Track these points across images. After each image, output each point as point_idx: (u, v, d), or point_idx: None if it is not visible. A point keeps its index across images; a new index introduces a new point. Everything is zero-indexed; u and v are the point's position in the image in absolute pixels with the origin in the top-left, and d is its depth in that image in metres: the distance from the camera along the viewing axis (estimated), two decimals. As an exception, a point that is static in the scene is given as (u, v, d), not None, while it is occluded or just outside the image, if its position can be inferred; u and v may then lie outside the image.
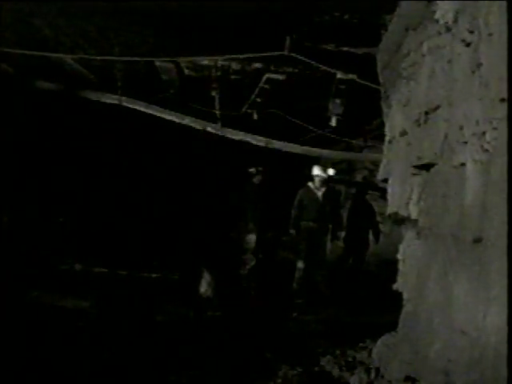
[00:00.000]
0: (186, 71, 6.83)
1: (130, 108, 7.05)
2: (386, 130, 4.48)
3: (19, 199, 8.93)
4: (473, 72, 2.46)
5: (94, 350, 5.08)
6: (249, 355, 5.20)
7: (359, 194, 10.08)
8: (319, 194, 8.76)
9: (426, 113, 3.17)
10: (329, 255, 9.09)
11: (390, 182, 4.26)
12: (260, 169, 9.22)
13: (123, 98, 6.82)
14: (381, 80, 4.80)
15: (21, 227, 9.05)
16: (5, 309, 6.17)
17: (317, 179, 8.73)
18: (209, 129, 7.09)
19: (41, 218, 9.38)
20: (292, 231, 8.86)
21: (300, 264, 8.62)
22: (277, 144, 7.39)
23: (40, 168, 9.07)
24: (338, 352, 4.91)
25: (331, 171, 9.15)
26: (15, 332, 5.42)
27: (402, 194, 3.79)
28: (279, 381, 4.27)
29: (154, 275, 8.82)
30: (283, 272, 9.08)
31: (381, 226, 9.55)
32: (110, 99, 6.96)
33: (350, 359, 4.62)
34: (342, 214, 9.37)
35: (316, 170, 8.73)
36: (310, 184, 8.81)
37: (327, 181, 8.87)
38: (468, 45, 2.53)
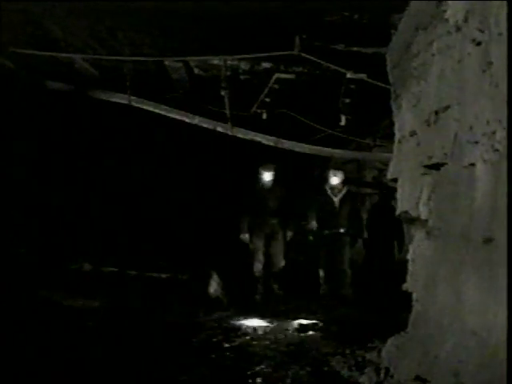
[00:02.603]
0: (196, 71, 6.84)
1: (139, 108, 7.06)
2: (396, 129, 4.47)
3: (30, 198, 8.96)
4: (483, 71, 2.46)
5: (103, 350, 5.09)
6: (258, 355, 5.20)
7: (382, 196, 9.71)
8: (336, 199, 8.49)
9: (436, 112, 3.17)
10: (351, 261, 8.65)
11: (399, 181, 4.25)
12: (272, 167, 8.74)
13: (133, 97, 6.83)
14: (390, 80, 4.79)
15: (31, 226, 9.08)
16: (14, 308, 6.20)
17: (333, 187, 8.48)
18: (219, 128, 7.09)
19: (51, 217, 9.40)
20: (311, 238, 8.72)
21: (321, 272, 8.51)
22: (286, 144, 7.38)
23: (51, 167, 9.10)
24: (347, 352, 4.90)
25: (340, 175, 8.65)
26: (24, 331, 5.44)
27: (411, 193, 3.78)
28: (289, 381, 4.26)
29: (163, 275, 8.83)
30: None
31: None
32: (120, 99, 6.97)
33: (359, 359, 4.61)
34: (362, 219, 9.05)
35: (333, 180, 8.47)
36: (326, 188, 8.58)
37: (342, 184, 8.53)
38: (478, 44, 2.53)
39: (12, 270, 7.59)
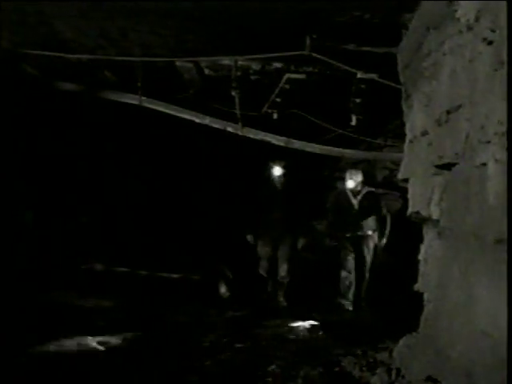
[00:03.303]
0: (206, 71, 6.85)
1: (150, 108, 7.07)
2: (407, 129, 4.46)
3: (43, 198, 8.99)
4: (495, 71, 2.45)
5: (112, 350, 5.11)
6: (269, 355, 5.20)
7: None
8: (354, 201, 8.13)
9: (448, 112, 3.16)
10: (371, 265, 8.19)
11: (410, 181, 4.24)
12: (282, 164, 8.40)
13: (143, 98, 6.84)
14: (401, 79, 4.78)
15: (44, 226, 9.12)
16: (25, 308, 6.23)
17: (351, 184, 8.06)
18: (229, 129, 7.07)
19: (63, 217, 9.43)
20: (328, 241, 8.58)
21: (343, 273, 8.05)
22: (297, 144, 7.37)
23: (64, 167, 9.13)
24: (358, 352, 4.90)
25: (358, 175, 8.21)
26: (35, 331, 5.46)
27: (423, 193, 3.77)
28: (300, 381, 4.26)
29: (174, 275, 8.84)
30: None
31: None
32: (131, 99, 6.98)
33: (370, 360, 4.60)
34: (386, 220, 8.41)
35: (350, 183, 8.08)
36: (344, 189, 8.23)
37: (361, 185, 8.14)
38: (490, 43, 2.52)
39: (23, 270, 7.63)
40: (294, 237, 8.32)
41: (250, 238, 8.35)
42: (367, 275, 8.07)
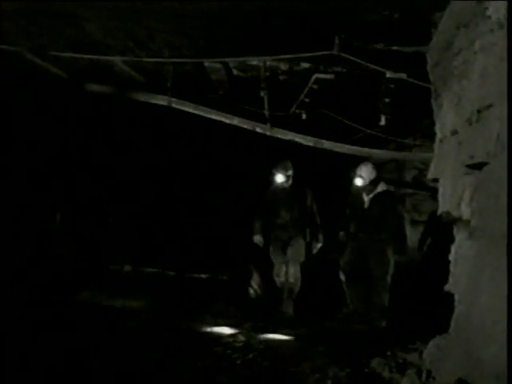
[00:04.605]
0: (235, 72, 6.86)
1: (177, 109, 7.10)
2: (437, 128, 4.43)
3: (71, 199, 9.09)
4: (527, 69, 2.42)
5: (144, 350, 5.14)
6: (297, 355, 5.19)
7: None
8: (366, 199, 7.57)
9: (478, 111, 3.13)
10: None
11: (440, 181, 4.21)
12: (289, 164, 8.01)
13: (173, 99, 6.87)
14: (431, 78, 4.75)
15: (72, 227, 9.21)
16: (55, 308, 6.30)
17: (359, 182, 7.45)
18: (258, 129, 7.07)
19: (92, 218, 9.52)
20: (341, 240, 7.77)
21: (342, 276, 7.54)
22: (326, 144, 7.34)
23: (91, 168, 9.22)
24: (388, 353, 4.87)
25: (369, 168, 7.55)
26: (65, 332, 5.52)
27: (453, 194, 3.74)
28: (329, 382, 4.25)
29: (203, 276, 8.87)
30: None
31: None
32: (160, 100, 7.02)
33: (400, 361, 4.57)
34: (403, 224, 7.68)
35: (360, 171, 7.47)
36: (354, 186, 7.59)
37: (374, 183, 7.51)
38: (522, 41, 2.49)
39: (53, 271, 7.72)
40: (305, 239, 7.96)
41: (258, 239, 8.01)
42: (381, 282, 7.32)
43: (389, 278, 7.36)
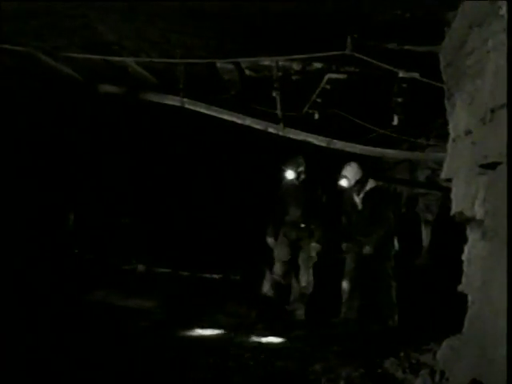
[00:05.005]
0: (247, 72, 6.87)
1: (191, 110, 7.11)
2: (450, 128, 4.41)
3: (85, 199, 9.13)
4: (540, 68, 2.41)
5: (157, 350, 5.16)
6: (310, 356, 5.19)
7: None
8: (357, 200, 7.40)
9: (492, 110, 3.11)
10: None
11: (454, 181, 4.19)
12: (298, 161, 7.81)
13: (185, 99, 6.88)
14: (444, 78, 4.73)
15: (86, 227, 9.25)
16: (68, 309, 6.33)
17: (344, 183, 7.29)
18: (270, 129, 7.06)
19: (106, 218, 9.56)
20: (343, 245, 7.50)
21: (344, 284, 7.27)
22: (338, 144, 7.31)
23: (105, 169, 9.25)
24: (401, 354, 4.86)
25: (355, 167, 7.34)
26: (79, 331, 5.55)
27: (466, 194, 3.72)
28: (342, 382, 4.25)
29: (215, 276, 8.88)
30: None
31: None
32: (172, 101, 7.04)
33: (413, 361, 4.56)
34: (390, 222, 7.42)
35: (345, 172, 7.32)
36: (340, 184, 7.38)
37: (361, 182, 7.33)
38: (535, 41, 2.48)
39: (66, 271, 7.76)
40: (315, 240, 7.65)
41: (270, 241, 7.83)
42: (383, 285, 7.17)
43: (390, 272, 7.23)
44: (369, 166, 7.59)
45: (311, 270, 7.63)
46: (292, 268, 7.74)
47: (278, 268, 7.72)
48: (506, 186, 2.12)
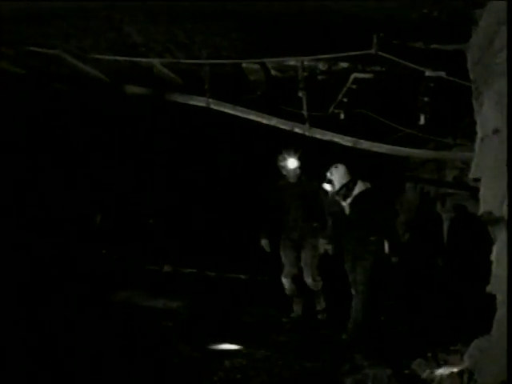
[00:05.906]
0: (273, 72, 6.86)
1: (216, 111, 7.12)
2: (478, 127, 4.37)
3: (112, 200, 9.20)
4: None
5: (183, 350, 5.19)
6: (338, 356, 5.19)
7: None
8: (345, 204, 6.83)
9: (521, 109, 3.09)
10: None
11: (482, 181, 4.15)
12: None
13: (211, 100, 6.90)
14: (472, 77, 4.69)
15: (113, 228, 9.32)
16: (95, 309, 6.38)
17: (328, 187, 6.87)
18: (296, 129, 7.04)
19: (132, 219, 9.62)
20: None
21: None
22: (364, 144, 7.27)
23: (131, 170, 9.32)
24: (429, 355, 4.83)
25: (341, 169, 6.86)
26: (105, 331, 5.59)
27: (495, 193, 3.69)
28: (369, 382, 4.24)
29: (242, 276, 8.89)
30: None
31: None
32: (198, 102, 7.06)
33: (441, 362, 4.54)
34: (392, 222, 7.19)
35: (330, 175, 6.86)
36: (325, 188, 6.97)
37: (348, 187, 6.79)
38: None
39: (93, 272, 7.82)
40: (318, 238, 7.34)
41: (264, 242, 7.57)
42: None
43: (364, 279, 6.57)
44: (357, 168, 7.11)
45: (316, 270, 7.36)
46: (300, 269, 7.46)
47: (286, 271, 7.46)
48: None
